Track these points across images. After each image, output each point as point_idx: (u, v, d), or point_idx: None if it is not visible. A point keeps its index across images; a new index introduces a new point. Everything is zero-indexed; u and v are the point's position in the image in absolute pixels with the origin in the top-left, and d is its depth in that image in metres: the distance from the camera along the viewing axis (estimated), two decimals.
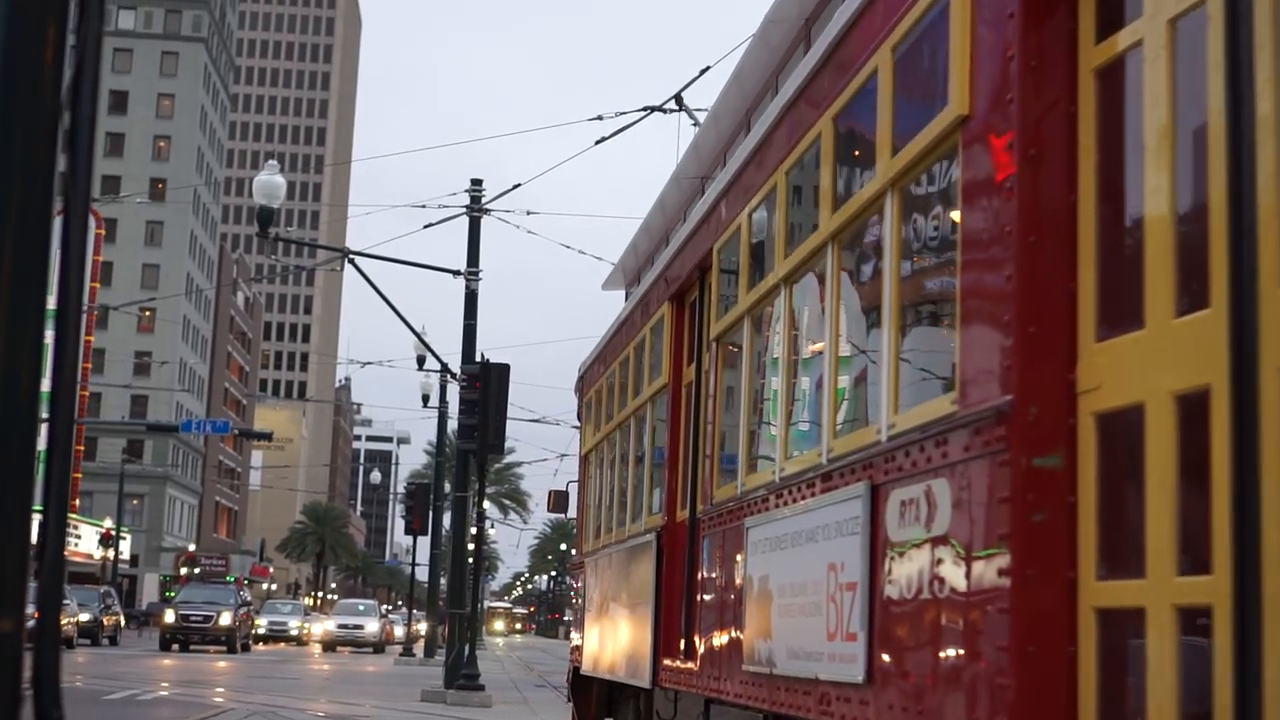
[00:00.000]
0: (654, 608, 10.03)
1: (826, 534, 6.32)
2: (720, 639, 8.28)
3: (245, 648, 53.32)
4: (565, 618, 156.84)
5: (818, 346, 6.73)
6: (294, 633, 68.19)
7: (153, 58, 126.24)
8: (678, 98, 15.91)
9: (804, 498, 6.71)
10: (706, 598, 8.72)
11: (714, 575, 8.57)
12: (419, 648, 54.86)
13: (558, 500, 18.21)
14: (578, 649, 14.79)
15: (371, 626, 64.97)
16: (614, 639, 11.64)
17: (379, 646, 63.67)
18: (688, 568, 9.27)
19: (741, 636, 7.67)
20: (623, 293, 15.32)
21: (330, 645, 63.35)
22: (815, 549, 6.45)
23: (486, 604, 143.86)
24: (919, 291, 5.60)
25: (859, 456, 5.86)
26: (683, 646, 9.25)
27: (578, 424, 16.73)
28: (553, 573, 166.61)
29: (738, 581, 7.88)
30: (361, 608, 69.01)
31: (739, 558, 7.88)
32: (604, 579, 12.52)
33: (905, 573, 5.33)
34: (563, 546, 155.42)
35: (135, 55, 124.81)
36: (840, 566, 6.08)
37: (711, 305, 8.87)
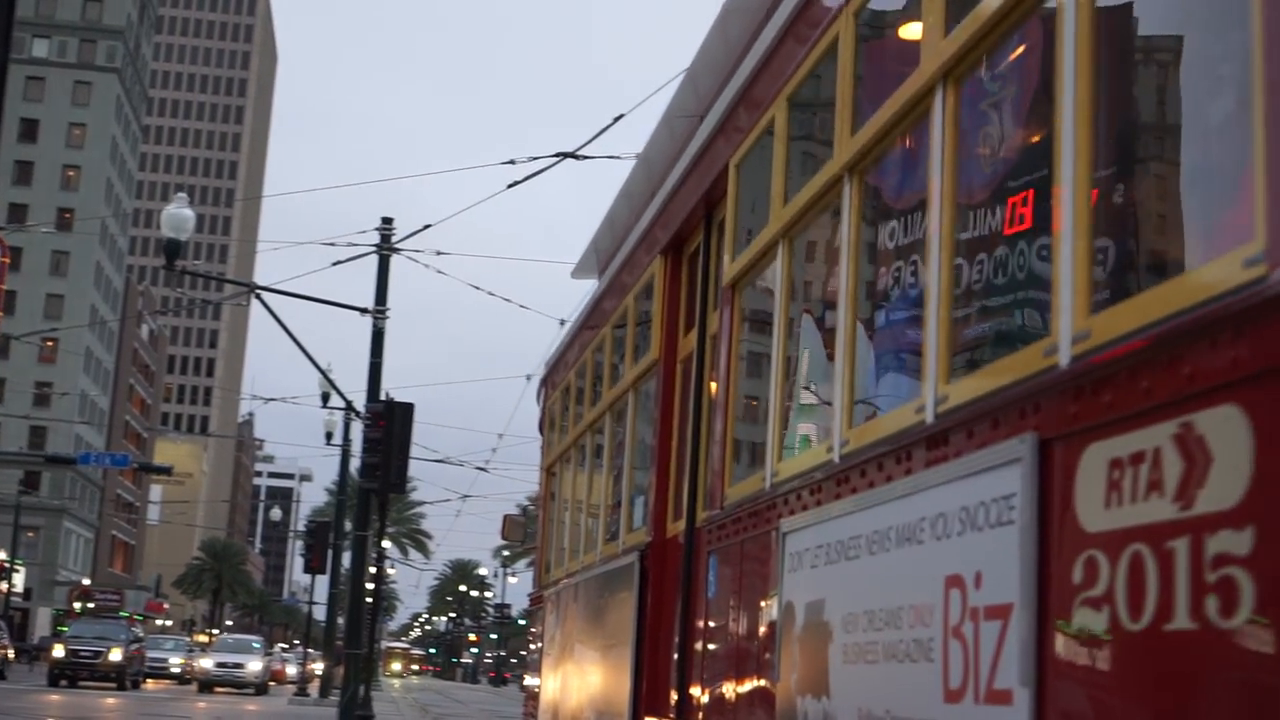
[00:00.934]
0: (635, 651, 7.87)
1: (942, 530, 4.07)
2: (735, 694, 6.08)
3: (135, 684, 50.91)
4: (464, 660, 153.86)
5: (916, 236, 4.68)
6: (175, 670, 64.17)
7: (65, 86, 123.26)
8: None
9: (889, 479, 4.51)
10: (713, 636, 6.53)
11: (725, 604, 6.37)
12: (315, 688, 54.28)
13: (511, 527, 15.43)
14: (534, 698, 12.61)
15: (253, 665, 56.75)
16: (580, 689, 9.56)
17: (261, 688, 55.94)
18: (684, 595, 7.15)
19: (774, 691, 5.45)
20: (594, 281, 13.21)
21: (207, 685, 55.61)
22: (918, 556, 4.21)
23: (384, 644, 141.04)
24: None
25: (1009, 398, 3.72)
26: (675, 702, 7.11)
27: (538, 434, 14.64)
28: (452, 614, 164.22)
29: (766, 611, 5.70)
30: (243, 644, 60.64)
31: (767, 577, 5.69)
32: (569, 615, 10.44)
33: (1115, 585, 3.14)
34: (462, 588, 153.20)
35: (47, 84, 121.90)
36: (974, 581, 3.85)
37: (727, 243, 6.75)
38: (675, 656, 7.18)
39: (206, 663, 57.63)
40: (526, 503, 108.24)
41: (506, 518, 15.16)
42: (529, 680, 13.24)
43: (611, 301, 9.81)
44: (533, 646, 13.19)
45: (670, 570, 7.67)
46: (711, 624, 6.56)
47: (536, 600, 12.96)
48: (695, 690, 6.80)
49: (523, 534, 14.94)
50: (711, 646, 6.54)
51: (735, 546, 6.21)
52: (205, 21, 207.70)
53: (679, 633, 7.17)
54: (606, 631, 8.66)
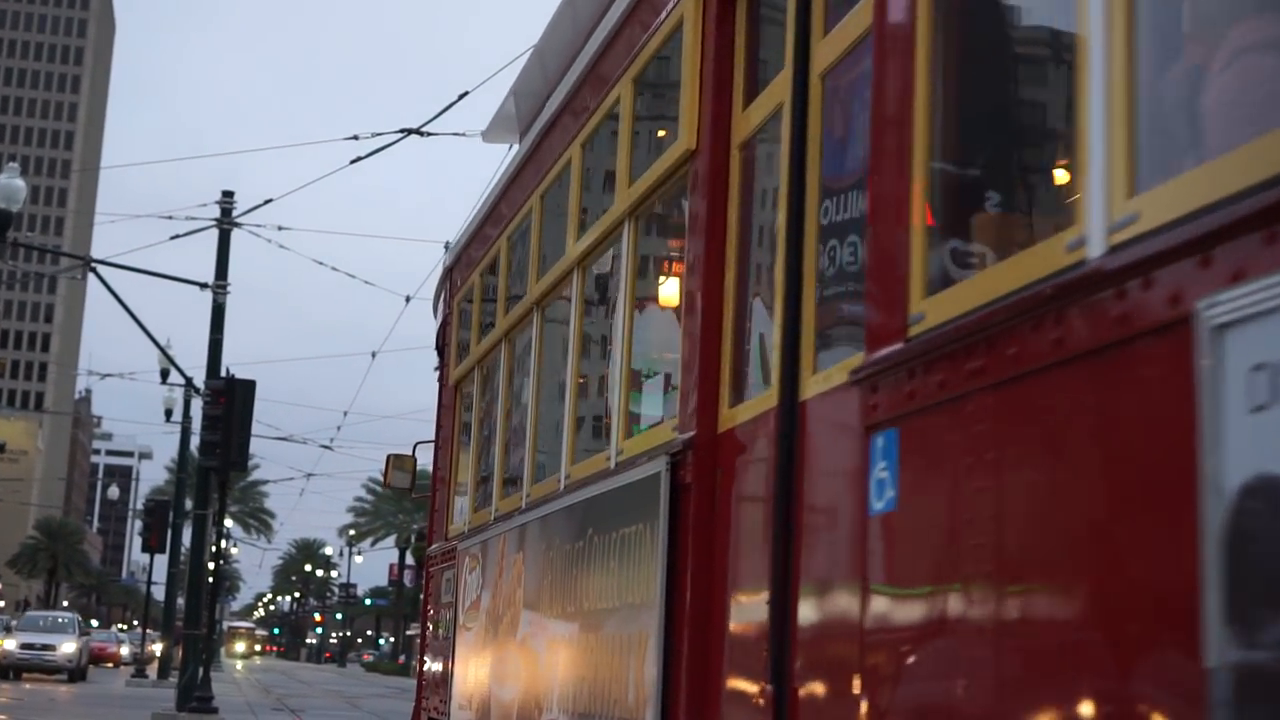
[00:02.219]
0: (662, 616, 4.77)
1: None
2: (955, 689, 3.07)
3: None
4: (309, 641, 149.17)
5: None
6: None
7: None
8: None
9: None
10: (891, 579, 3.47)
11: (921, 522, 3.33)
12: (154, 669, 51.83)
13: (397, 467, 11.61)
14: (438, 688, 9.33)
15: (66, 647, 47.63)
16: (537, 678, 6.30)
17: (76, 672, 47.34)
18: (780, 517, 4.02)
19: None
20: (512, 145, 9.77)
21: (11, 670, 46.20)
22: None
23: (227, 625, 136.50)
24: None
25: None
26: (772, 698, 4.01)
27: (438, 356, 11.26)
28: (296, 594, 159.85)
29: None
30: (55, 622, 51.36)
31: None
32: (508, 572, 7.14)
33: None
34: (307, 567, 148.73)
35: None
36: None
37: None
38: (768, 621, 3.96)
39: (10, 644, 48.00)
40: (372, 483, 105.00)
41: (390, 457, 11.59)
42: (430, 665, 9.85)
43: (577, 111, 6.53)
44: (435, 620, 9.83)
45: (738, 480, 4.48)
46: (887, 561, 3.37)
47: (441, 558, 9.62)
48: (814, 679, 3.63)
49: (411, 475, 11.45)
50: (883, 602, 3.33)
51: (971, 404, 3.01)
52: None
53: (774, 581, 3.96)
54: (595, 588, 5.49)
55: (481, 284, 8.83)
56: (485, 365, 8.72)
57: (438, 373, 11.25)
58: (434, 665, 9.74)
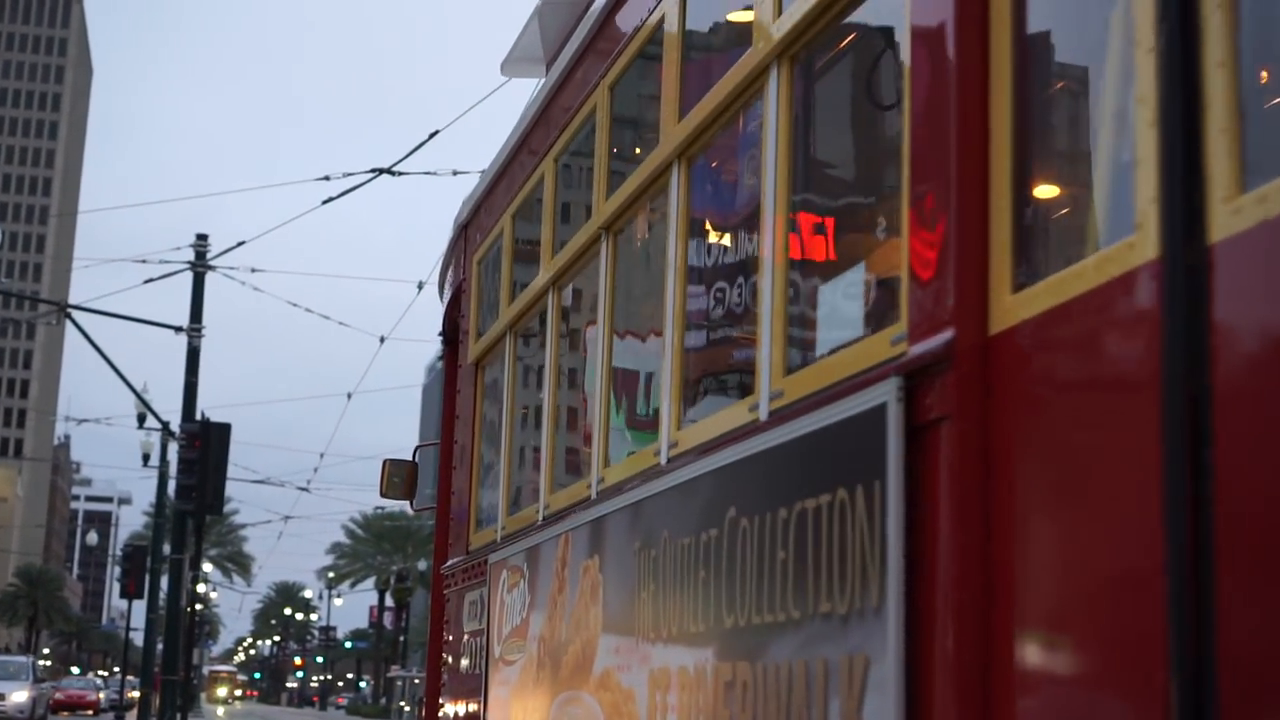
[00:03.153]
0: (902, 633, 2.86)
1: None
2: None
3: None
4: (289, 685, 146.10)
5: None
6: None
7: None
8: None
9: None
10: None
11: None
12: (134, 716, 50.12)
13: (392, 475, 9.36)
14: None
15: (17, 696, 42.37)
16: None
17: None
18: (1177, 459, 2.15)
19: None
20: (536, 80, 7.83)
21: None
22: None
23: (208, 669, 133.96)
24: None
25: None
26: None
27: (441, 335, 9.33)
28: (276, 638, 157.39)
29: None
30: (4, 668, 45.94)
31: None
32: (577, 584, 5.12)
33: None
34: (287, 611, 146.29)
35: None
36: None
37: None
38: (1168, 650, 2.07)
39: None
40: (350, 524, 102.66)
41: (387, 463, 9.54)
42: (448, 710, 7.91)
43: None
44: (454, 653, 7.87)
45: (1046, 411, 2.61)
46: None
47: (461, 577, 7.67)
48: None
49: (411, 484, 9.45)
50: None
51: None
52: (17, 35, 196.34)
53: (1175, 582, 2.08)
54: (745, 595, 3.61)
55: (514, 228, 6.93)
56: (524, 327, 6.81)
57: (444, 360, 9.32)
58: (453, 709, 7.78)
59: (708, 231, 4.67)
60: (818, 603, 3.24)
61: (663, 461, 4.49)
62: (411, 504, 9.83)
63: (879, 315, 3.47)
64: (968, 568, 2.78)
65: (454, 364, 8.82)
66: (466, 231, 8.10)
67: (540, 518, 6.01)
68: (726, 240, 4.59)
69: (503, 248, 7.02)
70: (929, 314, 2.97)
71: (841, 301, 3.71)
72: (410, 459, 9.64)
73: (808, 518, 3.32)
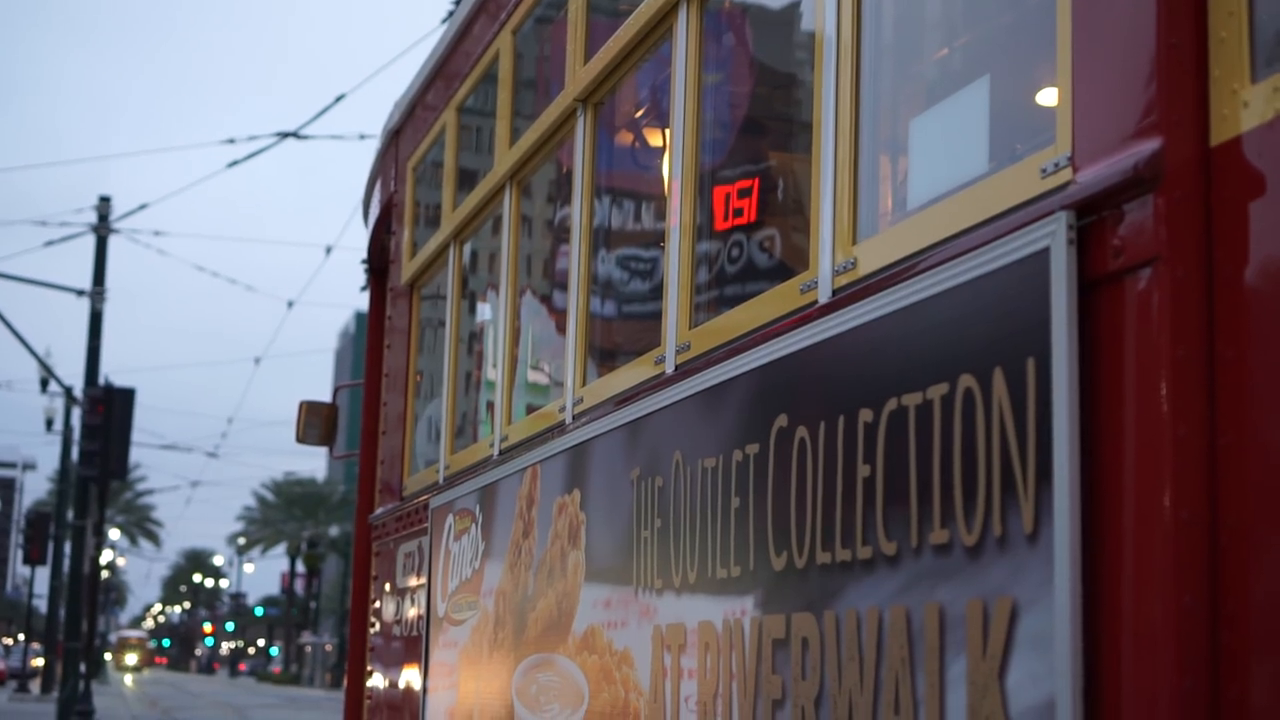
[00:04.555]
0: (1078, 565, 1.98)
1: None
2: None
3: None
4: (198, 653, 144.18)
5: None
6: None
7: None
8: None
9: None
10: None
11: None
12: (38, 684, 50.45)
13: (309, 419, 8.31)
14: (394, 716, 6.46)
15: None
16: (632, 703, 3.46)
17: None
18: None
19: None
20: None
21: None
22: None
23: (117, 635, 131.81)
24: None
25: None
26: None
27: (365, 264, 8.39)
28: (185, 605, 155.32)
29: None
30: None
31: None
32: (547, 527, 4.18)
33: None
34: (196, 577, 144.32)
35: None
36: None
37: None
38: None
39: None
40: (261, 490, 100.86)
41: (303, 405, 8.52)
42: (380, 679, 7.01)
43: None
44: (387, 615, 6.94)
45: None
46: None
47: (395, 526, 6.75)
48: None
49: (330, 427, 8.47)
50: None
51: None
52: None
53: None
54: (806, 526, 2.78)
55: (459, 122, 5.99)
56: (472, 234, 5.87)
57: (369, 290, 8.36)
58: (386, 679, 6.86)
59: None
60: (926, 532, 2.37)
61: (669, 368, 3.60)
62: (331, 449, 8.86)
63: (1008, 142, 2.59)
64: (1184, 476, 1.93)
65: (381, 292, 7.89)
66: (398, 138, 7.15)
67: (496, 451, 5.10)
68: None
69: (445, 145, 6.07)
70: (1113, 123, 2.10)
71: (946, 131, 2.82)
72: (330, 401, 8.68)
73: (907, 419, 2.45)
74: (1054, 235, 2.11)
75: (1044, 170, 2.26)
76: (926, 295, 2.42)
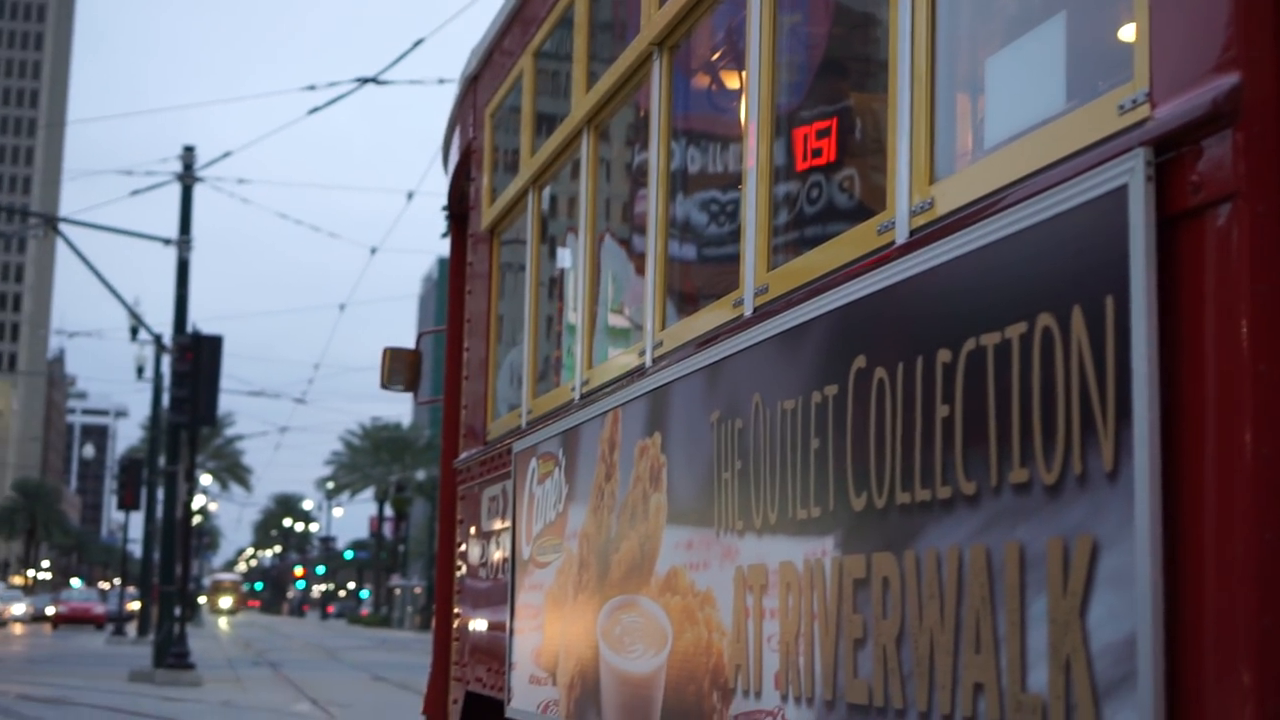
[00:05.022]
0: (1157, 500, 1.96)
1: None
2: None
3: None
4: (290, 595, 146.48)
5: None
6: None
7: None
8: None
9: None
10: None
11: None
12: (134, 627, 50.57)
13: (393, 365, 8.39)
14: (484, 656, 6.57)
15: None
16: (716, 643, 3.48)
17: None
18: None
19: None
20: None
21: None
22: None
23: (211, 578, 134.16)
24: None
25: None
26: None
27: (445, 210, 8.40)
28: (276, 549, 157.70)
29: None
30: None
31: None
32: (629, 469, 4.20)
33: None
34: (286, 522, 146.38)
35: None
36: None
37: None
38: None
39: None
40: (348, 435, 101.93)
41: (387, 351, 8.57)
42: (467, 621, 7.11)
43: None
44: (473, 558, 7.03)
45: None
46: None
47: (479, 470, 6.82)
48: None
49: (414, 373, 8.52)
50: None
51: None
52: None
53: None
54: (885, 464, 2.80)
55: (535, 68, 6.00)
56: (551, 179, 5.90)
57: (450, 237, 8.39)
58: (473, 621, 6.96)
59: None
60: (1005, 471, 2.38)
61: (748, 311, 3.61)
62: (415, 396, 8.91)
63: (1088, 79, 2.57)
64: (1264, 411, 1.92)
65: (461, 239, 7.93)
66: (476, 85, 7.17)
67: (577, 396, 5.14)
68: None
69: (523, 91, 6.09)
70: (1191, 58, 2.08)
71: (1022, 69, 2.80)
72: (413, 347, 8.74)
73: (986, 358, 2.45)
74: (1132, 172, 2.10)
75: (1121, 107, 2.24)
76: (1004, 235, 2.41)
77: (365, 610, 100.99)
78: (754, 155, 3.68)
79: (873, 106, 3.72)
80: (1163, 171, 2.09)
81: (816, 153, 3.73)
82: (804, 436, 3.12)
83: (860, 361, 2.88)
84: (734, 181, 4.15)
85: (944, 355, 2.57)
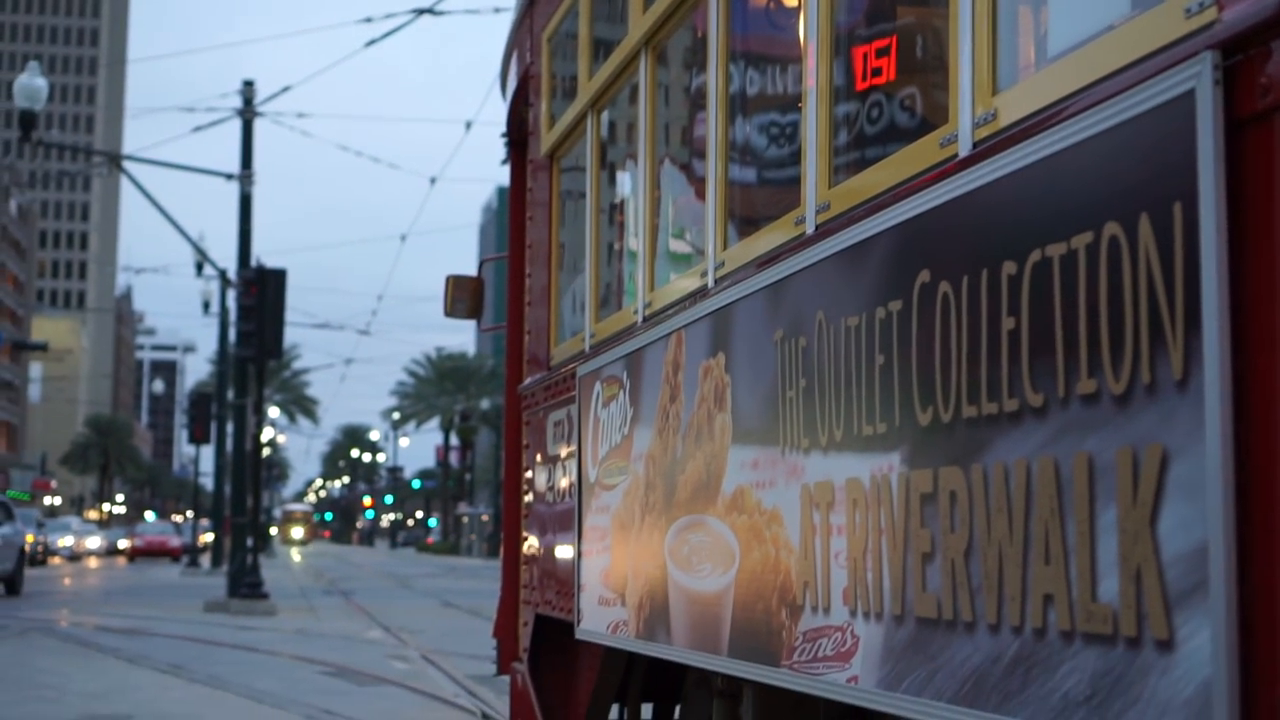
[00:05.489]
0: (1230, 408, 1.95)
1: None
2: None
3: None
4: (359, 525, 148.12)
5: None
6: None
7: None
8: None
9: None
10: None
11: None
12: (208, 558, 52.55)
13: (456, 293, 8.44)
14: (554, 580, 6.64)
15: None
16: (788, 561, 3.50)
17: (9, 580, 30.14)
18: None
19: None
20: None
21: None
22: None
23: (282, 509, 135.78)
24: None
25: None
26: None
27: (504, 136, 8.39)
28: (345, 479, 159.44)
29: None
30: None
31: None
32: (694, 390, 4.18)
33: None
34: (354, 452, 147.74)
35: None
36: None
37: None
38: None
39: None
40: (413, 365, 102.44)
41: (450, 279, 8.58)
42: (534, 546, 7.16)
43: None
44: (539, 483, 7.08)
45: None
46: None
47: (543, 396, 6.85)
48: None
49: (477, 300, 8.54)
50: None
51: None
52: None
53: None
54: (952, 379, 2.81)
55: None
56: (608, 104, 5.88)
57: (510, 164, 8.37)
58: (541, 545, 7.01)
59: None
60: (1073, 382, 2.36)
61: (809, 229, 3.59)
62: (479, 323, 8.94)
63: None
64: None
65: (521, 165, 7.91)
66: (533, 10, 7.14)
67: (640, 318, 5.15)
68: None
69: (580, 14, 6.06)
70: None
71: None
72: (475, 274, 8.76)
73: (1052, 269, 2.42)
74: (1199, 76, 2.07)
75: (1188, 10, 2.20)
76: (1068, 144, 2.38)
77: (431, 539, 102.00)
78: (813, 74, 3.65)
79: (933, 23, 3.68)
80: (1230, 75, 2.06)
81: (876, 71, 3.69)
82: (868, 353, 3.11)
83: (924, 276, 2.86)
84: (793, 102, 4.12)
85: (1009, 267, 2.55)
